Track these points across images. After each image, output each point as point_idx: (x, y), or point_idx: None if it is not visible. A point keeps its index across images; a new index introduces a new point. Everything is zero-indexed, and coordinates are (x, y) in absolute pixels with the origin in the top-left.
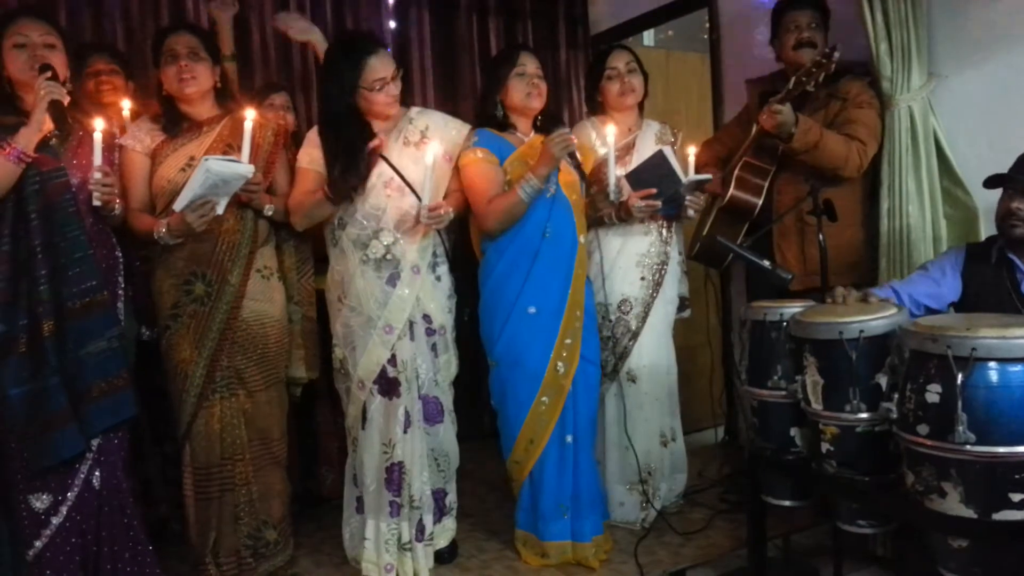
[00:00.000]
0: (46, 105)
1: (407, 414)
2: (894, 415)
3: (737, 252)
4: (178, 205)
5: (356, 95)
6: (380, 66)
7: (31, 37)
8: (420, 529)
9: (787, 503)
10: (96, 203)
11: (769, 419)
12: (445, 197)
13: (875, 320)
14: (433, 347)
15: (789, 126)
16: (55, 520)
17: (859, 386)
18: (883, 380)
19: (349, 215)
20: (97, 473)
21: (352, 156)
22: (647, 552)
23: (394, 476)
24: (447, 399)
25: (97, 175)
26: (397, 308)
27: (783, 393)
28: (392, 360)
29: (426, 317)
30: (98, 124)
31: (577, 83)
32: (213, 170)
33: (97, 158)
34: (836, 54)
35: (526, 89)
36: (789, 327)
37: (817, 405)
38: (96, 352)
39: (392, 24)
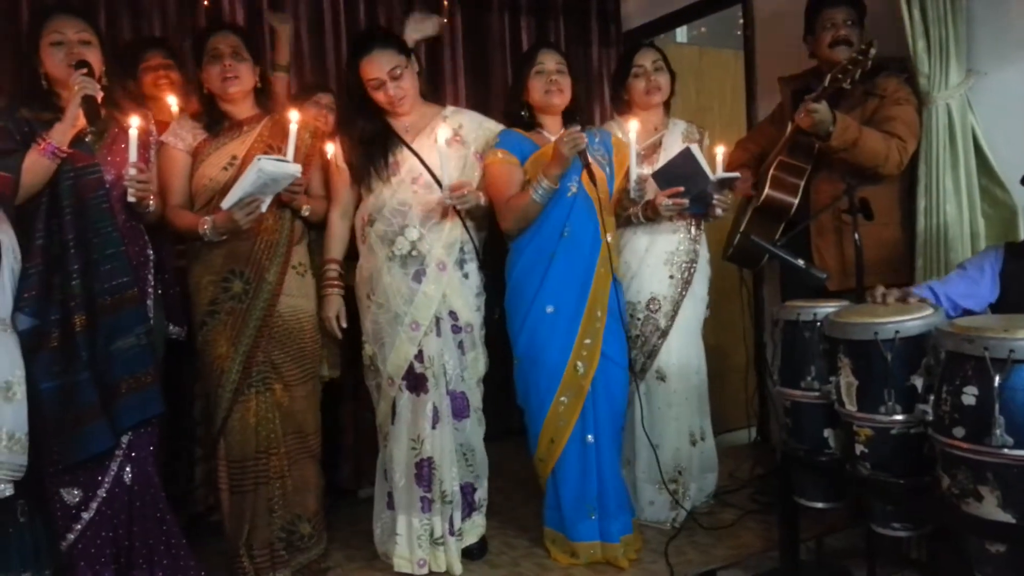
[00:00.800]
0: (79, 100)
1: (435, 410)
2: (930, 417)
3: (771, 251)
4: (227, 203)
5: (366, 93)
6: (371, 68)
7: (67, 35)
8: (451, 524)
9: (820, 505)
10: (130, 199)
11: (802, 420)
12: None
13: (911, 321)
14: (460, 344)
15: (826, 124)
16: (86, 515)
17: (894, 387)
18: (919, 382)
19: (377, 211)
20: (128, 469)
21: (368, 152)
22: (677, 552)
23: (424, 472)
24: (473, 395)
25: (132, 171)
26: (423, 305)
27: (816, 394)
28: (419, 356)
29: (452, 314)
30: (133, 121)
31: (609, 80)
32: (266, 170)
33: (132, 154)
34: (872, 50)
35: (545, 87)
36: (823, 327)
37: (851, 406)
38: (125, 348)
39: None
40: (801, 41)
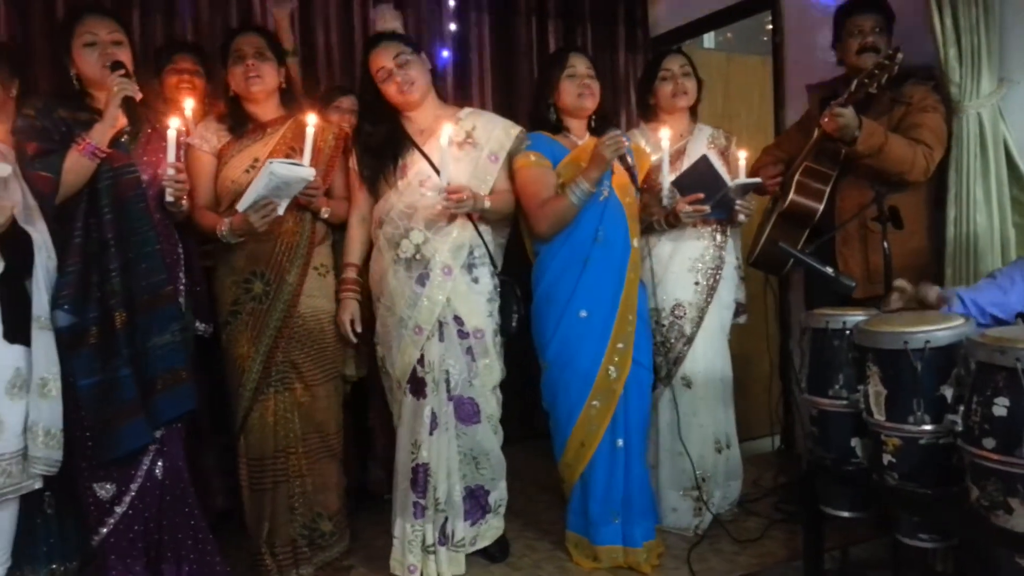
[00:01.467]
0: (119, 101)
1: (433, 415)
2: (959, 428)
3: (799, 258)
4: (241, 205)
5: (375, 87)
6: (378, 58)
7: (100, 35)
8: (444, 533)
9: (845, 514)
10: (168, 199)
11: (829, 429)
12: (490, 195)
13: (941, 330)
14: (469, 350)
15: (852, 129)
16: (119, 508)
17: (923, 397)
18: (948, 392)
19: (386, 214)
20: (160, 464)
21: (378, 157)
22: (700, 559)
23: (419, 477)
24: (484, 401)
25: (171, 171)
26: (426, 309)
27: (844, 403)
28: (421, 360)
29: (457, 319)
30: (173, 122)
31: (636, 86)
32: (277, 173)
33: (171, 155)
34: (899, 56)
35: (577, 90)
36: (852, 336)
37: (879, 416)
38: (161, 344)
39: (452, 27)
40: (829, 49)
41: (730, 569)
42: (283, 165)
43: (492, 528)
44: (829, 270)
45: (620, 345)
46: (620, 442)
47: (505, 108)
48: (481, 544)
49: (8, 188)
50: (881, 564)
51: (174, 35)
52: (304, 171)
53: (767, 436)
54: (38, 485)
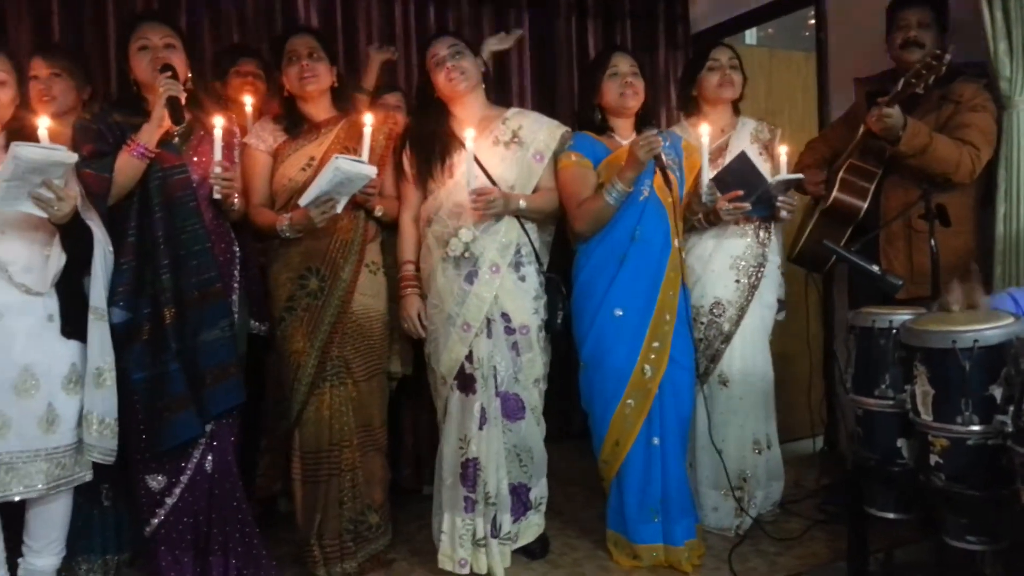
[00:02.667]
0: (164, 101)
1: (483, 411)
2: (1009, 428)
3: (845, 257)
4: (304, 200)
5: (428, 81)
6: (435, 48)
7: (153, 40)
8: (495, 526)
9: (890, 515)
10: (216, 196)
11: (874, 429)
12: (535, 193)
13: (990, 329)
14: (514, 346)
15: (897, 129)
16: (169, 500)
17: (972, 397)
18: (997, 392)
19: (434, 213)
20: (209, 457)
21: (427, 155)
22: (741, 559)
23: (469, 472)
24: (529, 396)
25: (217, 169)
26: (474, 306)
27: (890, 403)
28: (469, 357)
29: (504, 316)
30: (218, 122)
31: (676, 83)
32: (342, 168)
33: (217, 153)
34: (947, 56)
35: (619, 89)
36: (899, 335)
37: (927, 416)
38: (211, 340)
39: (492, 25)
40: (875, 43)
41: (772, 570)
42: (348, 161)
43: (533, 525)
44: (875, 268)
45: (656, 344)
46: (656, 440)
47: (544, 107)
48: (523, 542)
49: (71, 180)
50: (925, 567)
51: (220, 39)
52: (367, 168)
53: (809, 437)
54: (89, 477)
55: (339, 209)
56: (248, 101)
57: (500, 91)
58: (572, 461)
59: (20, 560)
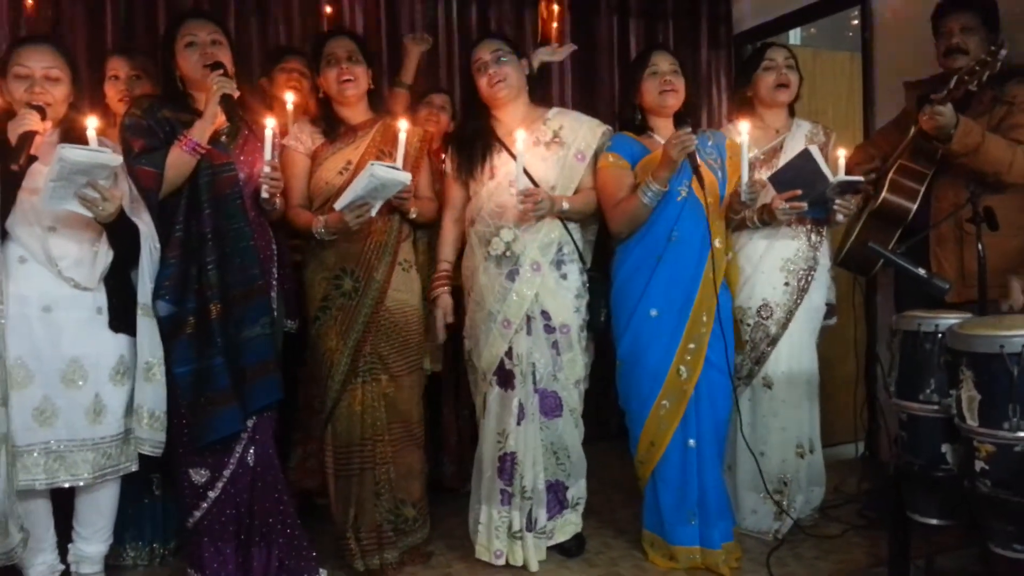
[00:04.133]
0: (218, 99)
1: (521, 406)
2: None
3: (891, 259)
4: (339, 204)
5: (472, 83)
6: (479, 51)
7: (200, 36)
8: (531, 520)
9: (933, 521)
10: (264, 195)
11: (919, 434)
12: (576, 193)
13: None
14: (554, 344)
15: (949, 127)
16: (212, 493)
17: (1020, 403)
18: None
19: (477, 212)
20: (252, 450)
21: (469, 156)
22: (780, 563)
23: (506, 465)
24: (568, 396)
25: (267, 169)
26: (514, 303)
27: (935, 407)
28: (509, 353)
29: (544, 314)
30: (269, 122)
31: (718, 83)
32: (377, 175)
33: (267, 153)
34: (1003, 51)
35: (659, 88)
36: (945, 339)
37: (972, 421)
38: (253, 336)
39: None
40: (922, 43)
41: (811, 574)
42: (383, 168)
43: (569, 524)
44: (921, 271)
45: (692, 345)
46: (692, 442)
47: (586, 107)
48: (558, 539)
49: (117, 181)
50: (967, 575)
51: (267, 38)
52: (402, 175)
53: (851, 442)
54: (135, 468)
55: (373, 213)
56: (290, 99)
57: (541, 91)
58: (609, 462)
59: (70, 546)
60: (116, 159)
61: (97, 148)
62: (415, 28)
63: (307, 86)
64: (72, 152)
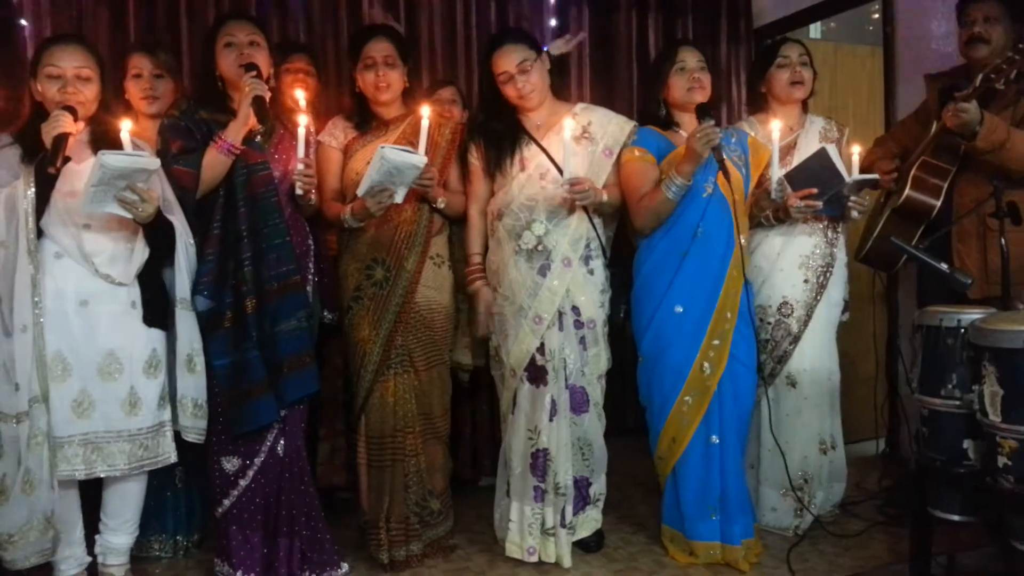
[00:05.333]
0: (250, 100)
1: (553, 402)
2: None
3: (912, 254)
4: (360, 191)
5: (495, 85)
6: (501, 61)
7: (238, 37)
8: (563, 516)
9: (955, 517)
10: (298, 192)
11: (940, 429)
12: (604, 189)
13: None
14: (582, 339)
15: (974, 124)
16: (242, 482)
17: None
18: None
19: (506, 206)
20: (282, 441)
21: (497, 149)
22: (800, 559)
23: (539, 462)
24: (594, 391)
25: (300, 166)
26: (547, 299)
27: (957, 403)
28: (541, 349)
29: (575, 309)
30: (302, 120)
31: (738, 78)
32: (387, 157)
33: (300, 150)
34: None
35: (687, 84)
36: (967, 334)
37: (995, 417)
38: (288, 330)
39: (552, 21)
40: (944, 37)
41: (831, 570)
42: (393, 150)
43: (591, 520)
44: (944, 266)
45: (716, 342)
46: (715, 439)
47: (604, 102)
48: (580, 535)
49: (152, 182)
50: (990, 572)
51: (288, 36)
52: (415, 158)
53: (871, 439)
54: (173, 459)
55: (398, 199)
56: (300, 95)
57: (559, 86)
58: (627, 457)
59: (97, 537)
60: (155, 162)
61: (136, 153)
62: (434, 24)
63: (313, 84)
64: (113, 158)
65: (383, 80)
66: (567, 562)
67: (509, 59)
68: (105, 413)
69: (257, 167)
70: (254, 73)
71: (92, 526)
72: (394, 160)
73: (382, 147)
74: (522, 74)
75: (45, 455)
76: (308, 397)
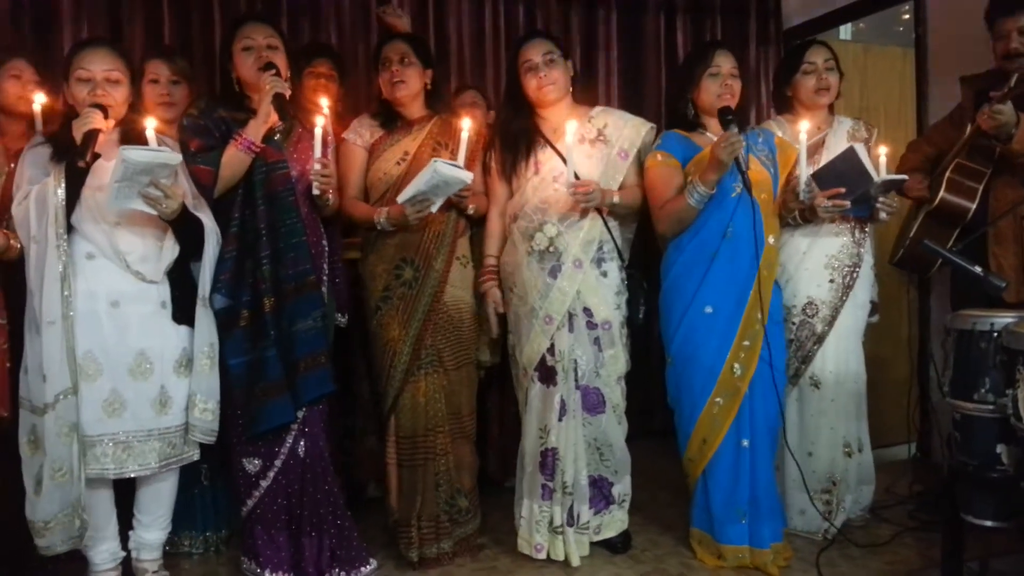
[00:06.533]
0: (271, 98)
1: (563, 402)
2: None
3: (946, 257)
4: (401, 198)
5: (517, 80)
6: (528, 51)
7: (256, 40)
8: (572, 515)
9: (988, 523)
10: (315, 191)
11: (973, 434)
12: (620, 190)
13: None
14: (596, 340)
15: (1010, 126)
16: (264, 483)
17: None
18: None
19: (520, 208)
20: (302, 443)
21: (513, 151)
22: (829, 563)
23: (548, 460)
24: (611, 392)
25: (317, 166)
26: (557, 300)
27: (990, 407)
28: (551, 349)
29: (587, 311)
30: (319, 121)
31: (767, 80)
32: (440, 172)
33: (317, 150)
34: None
35: (718, 90)
36: (1000, 338)
37: None
38: (305, 329)
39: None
40: (977, 38)
41: (860, 575)
42: (446, 165)
43: (616, 520)
44: (978, 269)
45: (746, 343)
46: (745, 442)
47: (632, 105)
48: (606, 535)
49: (177, 178)
50: None
51: (318, 39)
52: (463, 174)
53: (903, 443)
54: (197, 456)
55: (434, 210)
56: (324, 103)
57: (587, 88)
58: (653, 459)
59: (130, 533)
60: (176, 157)
61: (157, 148)
62: (462, 28)
63: (335, 88)
64: (134, 153)
65: (397, 76)
66: (575, 560)
67: (536, 49)
68: (136, 413)
69: (276, 166)
70: (273, 72)
71: (126, 522)
72: (445, 174)
73: (435, 160)
74: (546, 65)
75: (75, 448)
76: (324, 397)
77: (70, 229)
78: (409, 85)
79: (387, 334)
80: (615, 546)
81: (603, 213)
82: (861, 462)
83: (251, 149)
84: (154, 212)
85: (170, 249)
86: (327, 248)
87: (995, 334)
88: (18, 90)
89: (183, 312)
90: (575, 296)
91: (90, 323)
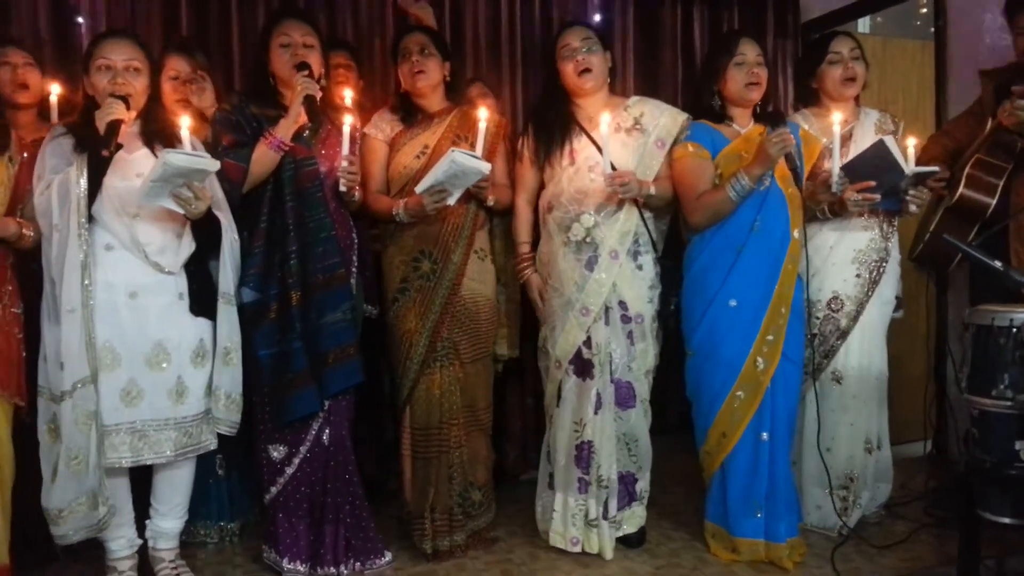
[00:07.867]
0: (302, 99)
1: (599, 396)
2: None
3: (966, 251)
4: (419, 188)
5: (555, 69)
6: (568, 36)
7: (294, 37)
8: (606, 508)
9: (1006, 520)
10: (342, 188)
11: (991, 430)
12: (654, 181)
13: None
14: (629, 334)
15: None
16: (289, 470)
17: None
18: None
19: (556, 198)
20: (327, 431)
21: (548, 141)
22: (844, 559)
23: (583, 454)
24: (641, 386)
25: (344, 163)
26: (594, 291)
27: (1009, 404)
28: (587, 342)
29: (622, 303)
30: (347, 119)
31: (784, 72)
32: (458, 161)
33: (345, 148)
34: None
35: (745, 79)
36: (1019, 333)
37: None
38: (333, 322)
39: (597, 15)
40: (998, 32)
41: (876, 571)
42: (464, 155)
43: (636, 516)
44: (998, 263)
45: (770, 337)
46: (765, 436)
47: (647, 94)
48: (626, 530)
49: (209, 182)
50: None
51: (335, 33)
52: (481, 164)
53: (919, 440)
54: (213, 446)
55: (451, 202)
56: (348, 95)
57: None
58: (668, 453)
59: (147, 522)
60: (215, 164)
61: (198, 154)
62: (478, 21)
63: (353, 78)
64: (177, 158)
65: (418, 66)
66: (609, 554)
67: (576, 35)
68: (152, 402)
69: (305, 162)
70: (306, 72)
71: (143, 510)
72: (463, 164)
73: (453, 150)
74: (584, 51)
75: (93, 437)
76: (351, 388)
77: (90, 219)
78: (429, 76)
79: (404, 326)
80: (630, 541)
81: (639, 204)
82: (880, 459)
83: (281, 148)
84: (182, 211)
85: (187, 244)
86: (356, 241)
87: (1014, 330)
88: (13, 78)
89: (200, 304)
90: (611, 288)
91: (108, 313)
